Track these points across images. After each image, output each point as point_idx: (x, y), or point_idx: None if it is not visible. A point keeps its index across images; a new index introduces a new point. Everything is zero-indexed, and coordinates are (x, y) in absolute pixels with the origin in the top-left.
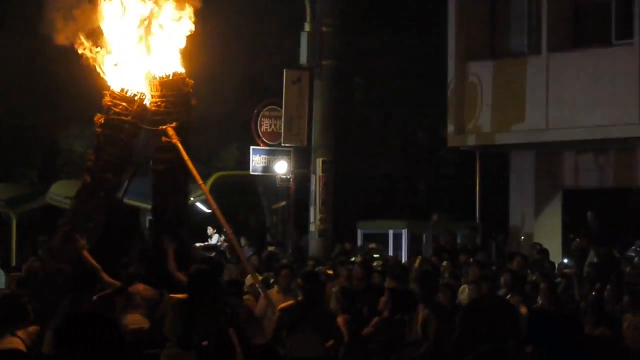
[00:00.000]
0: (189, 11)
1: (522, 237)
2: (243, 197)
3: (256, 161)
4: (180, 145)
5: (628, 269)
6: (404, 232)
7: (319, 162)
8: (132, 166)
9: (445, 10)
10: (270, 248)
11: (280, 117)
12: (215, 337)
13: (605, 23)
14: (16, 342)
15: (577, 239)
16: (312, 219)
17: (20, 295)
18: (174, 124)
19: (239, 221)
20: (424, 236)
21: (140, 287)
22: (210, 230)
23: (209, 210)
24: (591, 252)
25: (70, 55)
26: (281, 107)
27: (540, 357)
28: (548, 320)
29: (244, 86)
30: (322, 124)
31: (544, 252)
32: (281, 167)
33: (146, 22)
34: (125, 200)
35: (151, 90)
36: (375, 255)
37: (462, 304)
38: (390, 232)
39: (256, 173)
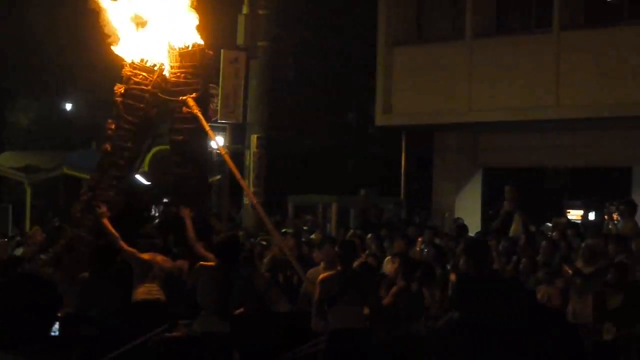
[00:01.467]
0: None
1: (447, 214)
2: None
3: None
4: (201, 116)
5: (543, 243)
6: (333, 206)
7: (253, 138)
8: (149, 137)
9: None
10: None
11: (217, 95)
12: (251, 304)
13: (526, 11)
14: None
15: (505, 202)
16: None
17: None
18: (194, 95)
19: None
20: (352, 210)
21: (158, 259)
22: None
23: (148, 183)
24: (515, 216)
25: (18, 29)
26: (218, 86)
27: (467, 319)
28: (473, 284)
29: None
30: (257, 102)
31: (463, 227)
32: (217, 143)
33: None
34: (66, 170)
35: (171, 61)
36: (304, 227)
37: (386, 274)
38: (320, 205)
39: None
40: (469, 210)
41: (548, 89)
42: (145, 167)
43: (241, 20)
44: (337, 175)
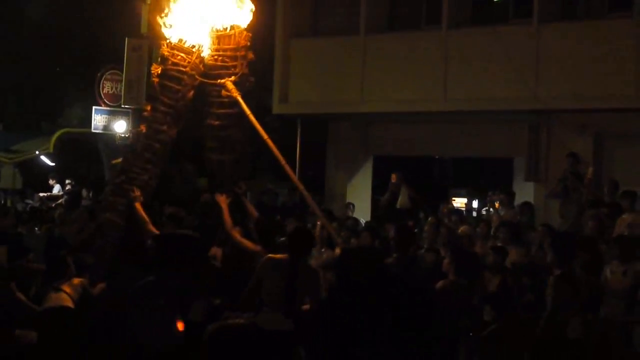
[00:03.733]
0: None
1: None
2: (85, 152)
3: (98, 120)
4: (241, 99)
5: (426, 226)
6: None
7: None
8: (184, 120)
9: None
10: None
11: (121, 81)
12: (317, 302)
13: (417, 8)
14: (63, 298)
15: (393, 174)
16: None
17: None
18: (233, 78)
19: (81, 174)
20: (249, 194)
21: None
22: (51, 181)
23: (52, 164)
24: (402, 189)
25: None
26: (122, 72)
27: (345, 288)
28: (353, 255)
29: (92, 51)
30: None
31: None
32: (120, 127)
33: None
34: None
35: (209, 44)
36: None
37: None
38: None
39: (97, 131)
40: (360, 196)
41: (436, 83)
42: (51, 148)
43: (145, 9)
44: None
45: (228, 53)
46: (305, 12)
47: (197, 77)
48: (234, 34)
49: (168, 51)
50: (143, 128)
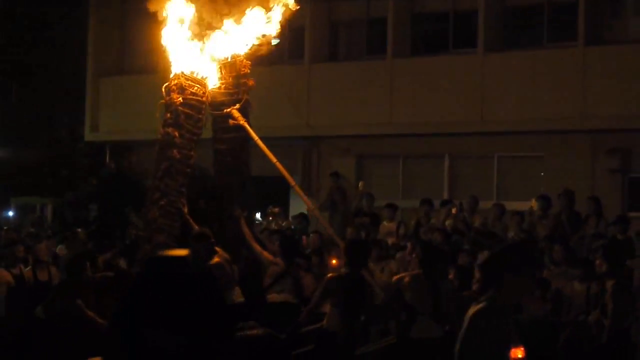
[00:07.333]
0: None
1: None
2: None
3: None
4: (248, 126)
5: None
6: (49, 207)
7: None
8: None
9: (86, 33)
10: None
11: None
12: (459, 307)
13: (359, 40)
14: None
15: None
16: None
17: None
18: (237, 106)
19: None
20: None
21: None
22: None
23: None
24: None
25: None
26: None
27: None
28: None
29: None
30: None
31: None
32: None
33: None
34: None
35: (213, 73)
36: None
37: None
38: (37, 205)
39: None
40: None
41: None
42: None
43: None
44: (53, 182)
45: (230, 81)
46: (113, 51)
47: (208, 106)
48: (235, 62)
49: (184, 82)
50: (176, 153)
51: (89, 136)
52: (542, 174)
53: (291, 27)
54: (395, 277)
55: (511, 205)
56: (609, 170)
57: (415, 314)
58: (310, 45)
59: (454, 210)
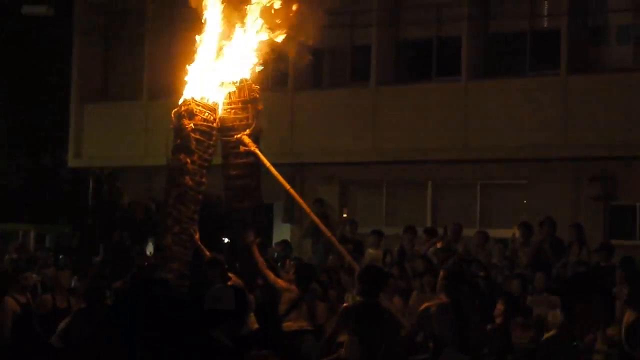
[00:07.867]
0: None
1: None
2: None
3: None
4: (259, 152)
5: None
6: (32, 233)
7: None
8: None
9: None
10: None
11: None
12: (484, 336)
13: (343, 67)
14: None
15: None
16: None
17: None
18: (247, 132)
19: None
20: (47, 236)
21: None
22: None
23: None
24: None
25: None
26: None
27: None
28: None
29: None
30: None
31: None
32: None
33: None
34: None
35: (222, 99)
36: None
37: None
38: (20, 231)
39: None
40: None
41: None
42: None
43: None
44: (36, 208)
45: (239, 105)
46: (96, 78)
47: (218, 132)
48: (243, 86)
49: (195, 108)
50: (189, 180)
51: (72, 162)
52: (525, 201)
53: (275, 54)
54: (421, 307)
55: (495, 233)
56: (592, 198)
57: (442, 344)
58: (294, 73)
59: (438, 245)
